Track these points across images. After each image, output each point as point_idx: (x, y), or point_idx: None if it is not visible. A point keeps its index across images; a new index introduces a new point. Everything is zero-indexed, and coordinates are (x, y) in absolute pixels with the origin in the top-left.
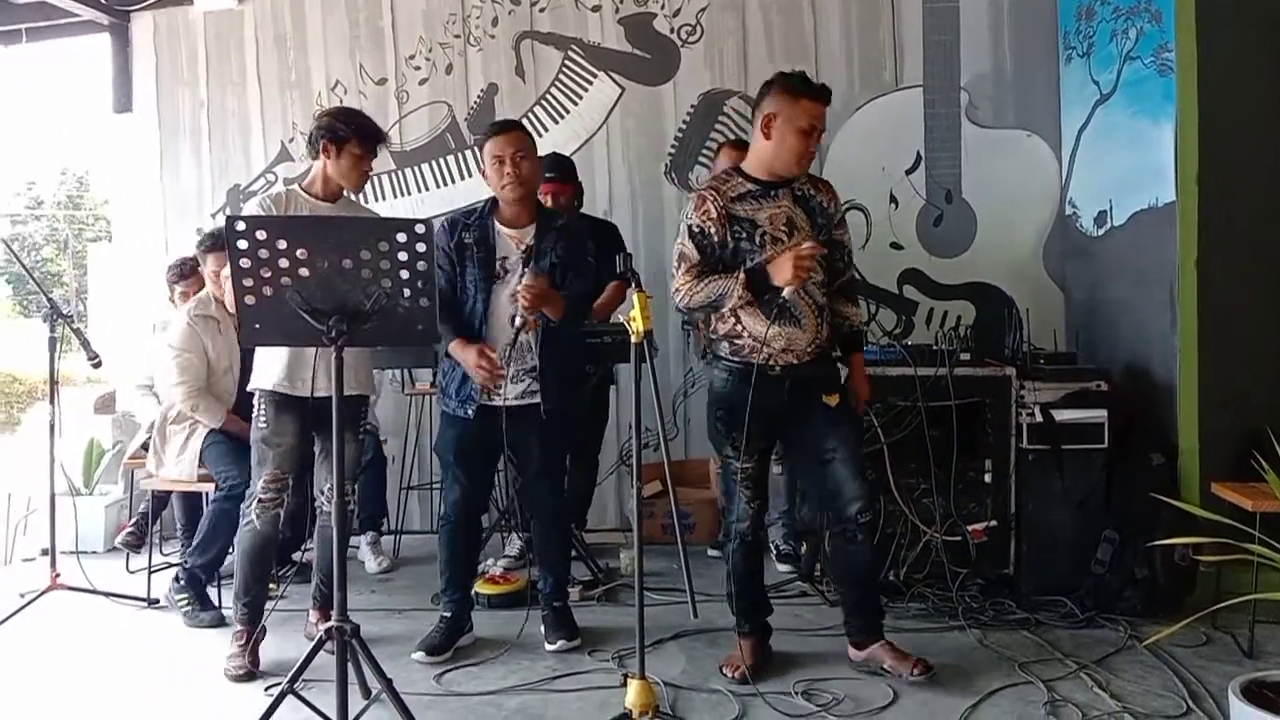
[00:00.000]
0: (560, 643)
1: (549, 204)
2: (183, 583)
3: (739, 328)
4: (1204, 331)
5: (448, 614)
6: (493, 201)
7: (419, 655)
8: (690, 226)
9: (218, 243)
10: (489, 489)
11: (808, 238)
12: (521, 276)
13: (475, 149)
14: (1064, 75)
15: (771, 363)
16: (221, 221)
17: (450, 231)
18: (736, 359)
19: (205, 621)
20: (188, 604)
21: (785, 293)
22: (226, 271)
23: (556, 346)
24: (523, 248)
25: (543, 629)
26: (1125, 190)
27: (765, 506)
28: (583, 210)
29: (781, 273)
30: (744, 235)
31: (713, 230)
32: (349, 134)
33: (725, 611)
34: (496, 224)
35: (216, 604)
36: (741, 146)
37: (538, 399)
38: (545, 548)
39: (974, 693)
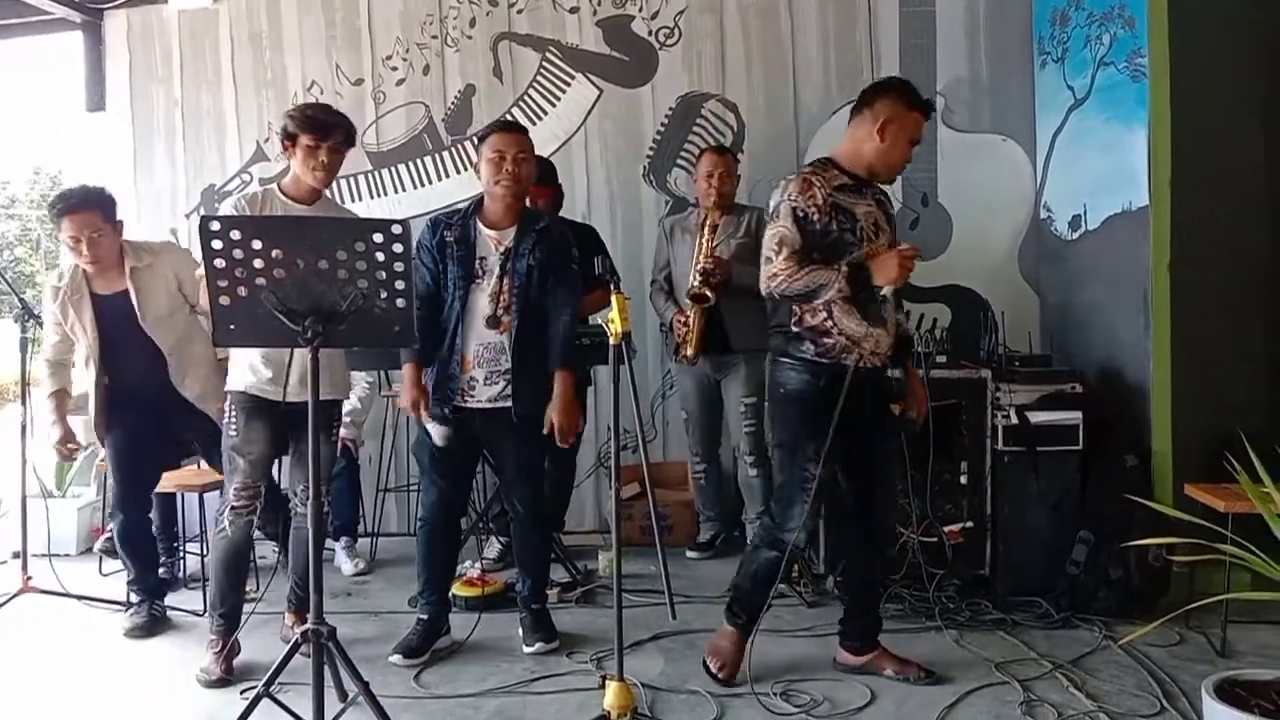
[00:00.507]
0: (538, 645)
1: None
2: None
3: (829, 324)
4: (1177, 334)
5: (425, 616)
6: (478, 202)
7: (396, 658)
8: (795, 209)
9: (73, 205)
10: (467, 491)
11: (889, 240)
12: (499, 278)
13: (453, 149)
14: (1039, 80)
15: (862, 364)
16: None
17: (433, 229)
18: (825, 358)
19: (135, 625)
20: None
21: (886, 291)
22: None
23: (530, 350)
24: (501, 249)
25: (520, 631)
26: (1099, 194)
27: (818, 518)
28: (561, 214)
29: (887, 271)
30: (847, 227)
31: (816, 216)
32: (296, 127)
33: (703, 613)
34: (479, 224)
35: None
36: (723, 151)
37: (511, 402)
38: (524, 550)
39: (950, 693)
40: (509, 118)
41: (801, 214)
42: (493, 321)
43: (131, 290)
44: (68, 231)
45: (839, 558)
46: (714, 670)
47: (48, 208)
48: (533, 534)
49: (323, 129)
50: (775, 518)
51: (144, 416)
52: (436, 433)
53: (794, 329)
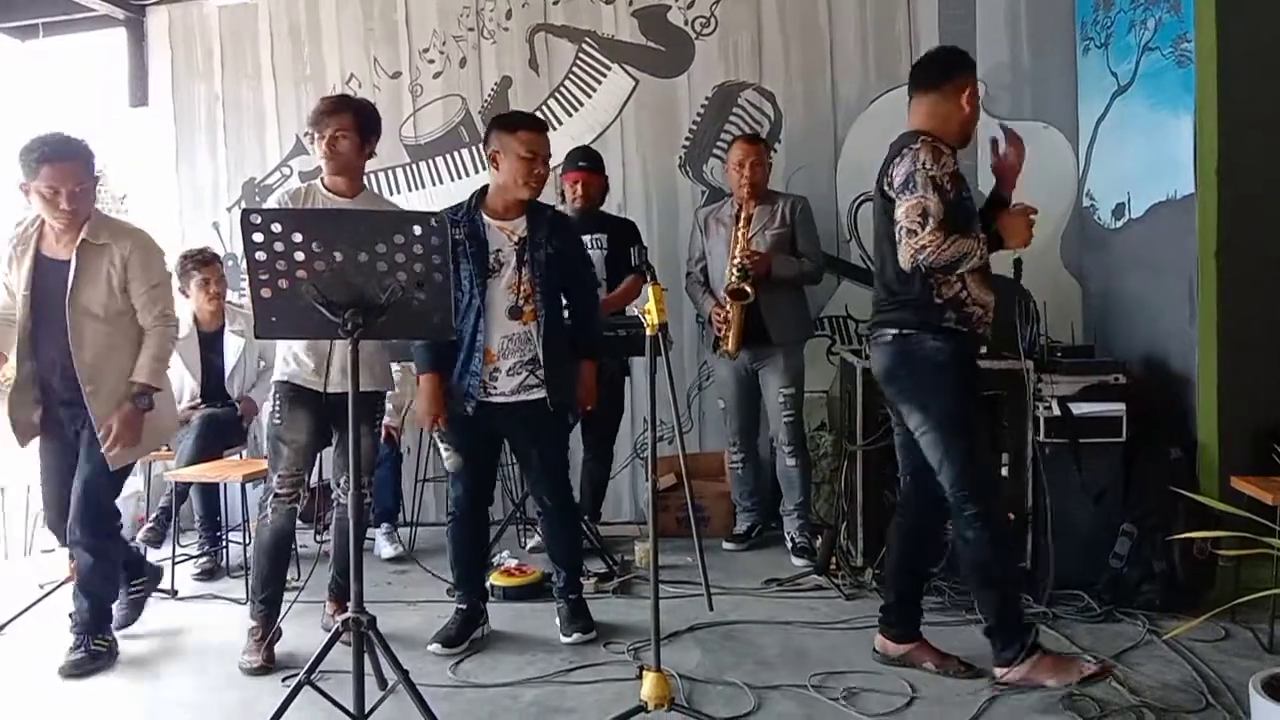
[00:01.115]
0: (576, 635)
1: (579, 192)
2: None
3: (964, 294)
4: (1223, 324)
5: (463, 606)
6: (479, 195)
7: (435, 647)
8: (933, 178)
9: (58, 153)
10: (492, 483)
11: None
12: (516, 268)
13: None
14: (1081, 66)
15: (987, 334)
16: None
17: None
18: (965, 327)
19: (72, 664)
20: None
21: (1020, 254)
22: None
23: (557, 338)
24: (515, 239)
25: (558, 622)
26: (1144, 182)
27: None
28: (601, 207)
29: (1020, 234)
30: (968, 196)
31: (949, 185)
32: (308, 125)
33: (740, 604)
34: (485, 217)
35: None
36: (755, 140)
37: (535, 394)
38: (555, 543)
39: (991, 686)
40: (540, 113)
41: (938, 183)
42: (515, 312)
43: (72, 263)
44: (46, 181)
45: (908, 544)
46: (1090, 675)
47: (20, 153)
48: (563, 527)
49: (318, 120)
50: (969, 504)
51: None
52: (450, 460)
53: (936, 300)
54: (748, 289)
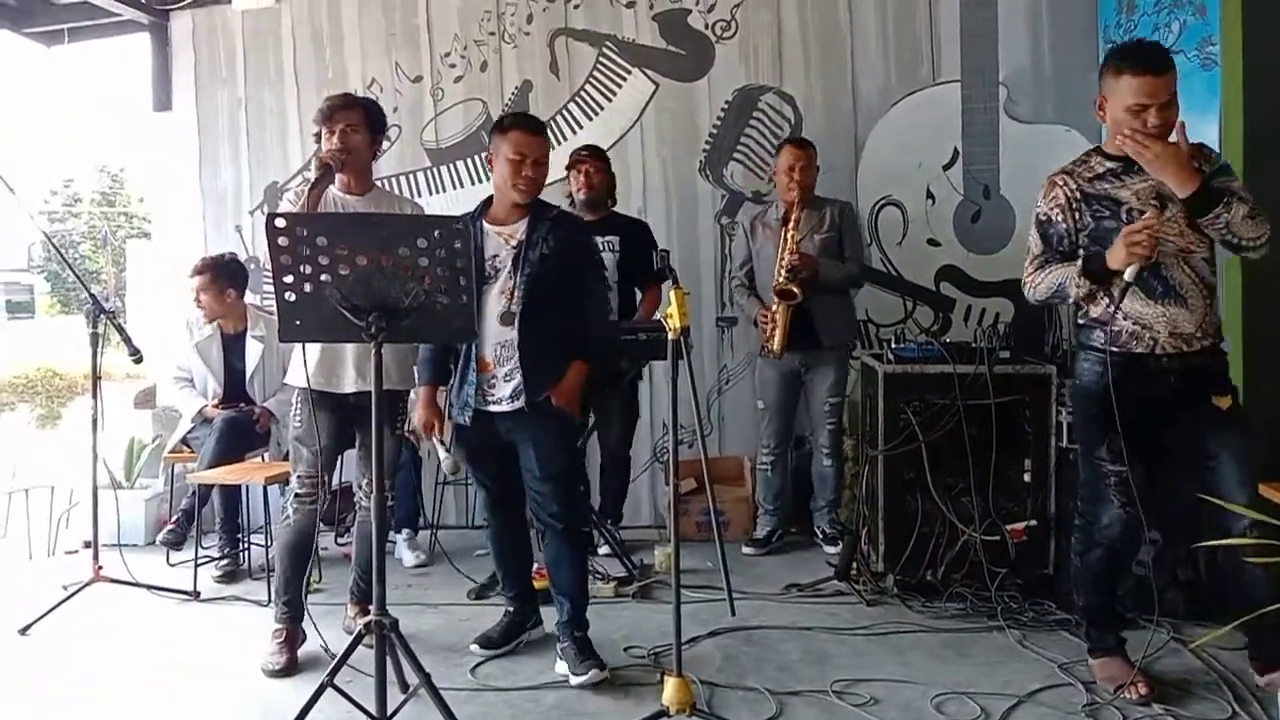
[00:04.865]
0: (592, 673)
1: (583, 179)
2: None
3: (1113, 309)
4: (1248, 330)
5: (510, 609)
6: (485, 203)
7: (474, 647)
8: (1038, 215)
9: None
10: (513, 487)
11: (1181, 210)
12: (510, 273)
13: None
14: None
15: (1157, 350)
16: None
17: None
18: (1115, 347)
19: None
20: None
21: (1127, 275)
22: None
23: (540, 339)
24: (513, 243)
25: (563, 663)
26: None
27: (1139, 515)
28: (615, 208)
29: (1114, 253)
30: (1106, 214)
31: (1059, 217)
32: (316, 119)
33: (761, 609)
34: (485, 224)
35: None
36: (804, 144)
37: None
38: (559, 567)
39: (1013, 694)
40: (561, 117)
41: (1044, 218)
42: (507, 318)
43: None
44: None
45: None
46: (1131, 696)
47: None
48: (569, 551)
49: (331, 114)
50: (1087, 517)
51: None
52: (445, 461)
53: (1080, 321)
54: (795, 290)
